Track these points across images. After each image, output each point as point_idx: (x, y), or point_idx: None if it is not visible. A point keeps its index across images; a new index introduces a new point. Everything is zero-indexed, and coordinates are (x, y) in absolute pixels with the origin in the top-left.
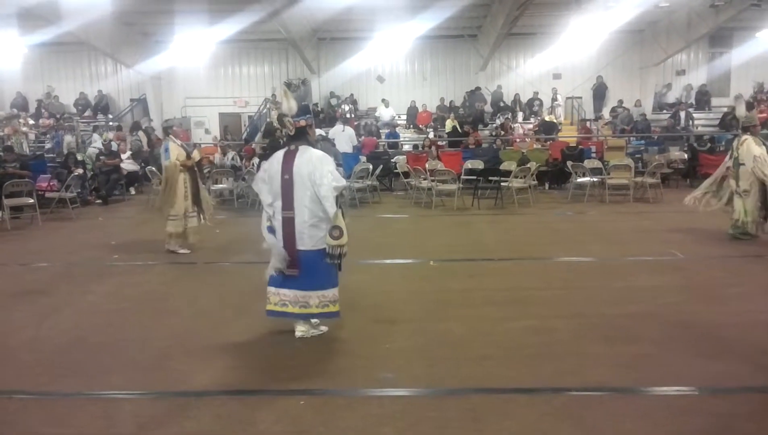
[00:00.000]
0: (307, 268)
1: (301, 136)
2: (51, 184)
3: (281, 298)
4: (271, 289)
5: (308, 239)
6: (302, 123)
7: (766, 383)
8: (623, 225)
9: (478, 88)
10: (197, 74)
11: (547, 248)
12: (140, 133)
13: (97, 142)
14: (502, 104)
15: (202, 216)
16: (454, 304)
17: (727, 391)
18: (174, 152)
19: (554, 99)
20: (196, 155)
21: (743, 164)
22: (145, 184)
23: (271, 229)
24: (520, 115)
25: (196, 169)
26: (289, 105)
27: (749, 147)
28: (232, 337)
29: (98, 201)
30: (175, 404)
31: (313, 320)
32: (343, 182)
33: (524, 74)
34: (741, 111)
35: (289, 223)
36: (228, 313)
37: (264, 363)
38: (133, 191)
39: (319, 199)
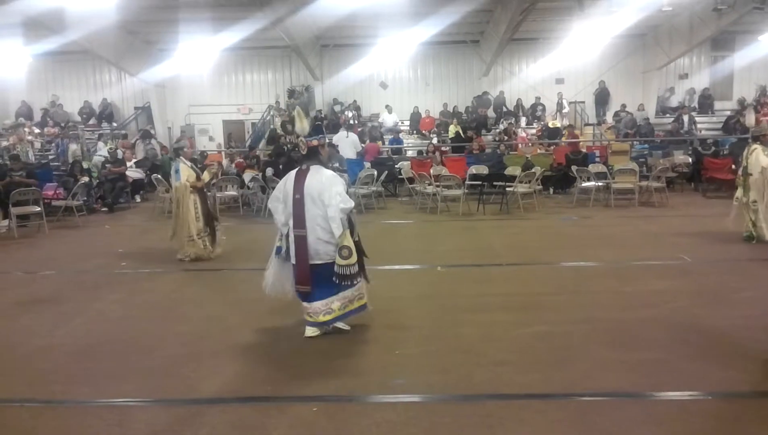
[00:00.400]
0: (322, 279)
1: (313, 155)
2: (57, 192)
3: (310, 310)
4: (305, 305)
5: (323, 254)
6: (314, 142)
7: None
8: (630, 229)
9: (486, 93)
10: (201, 82)
11: (555, 253)
12: (154, 142)
13: (102, 151)
14: (504, 109)
15: (215, 246)
16: (464, 310)
17: (739, 395)
18: (185, 173)
19: (560, 104)
20: (206, 177)
21: (751, 174)
22: (150, 192)
23: (279, 250)
24: (523, 121)
25: (206, 190)
26: (302, 125)
27: (758, 157)
28: (242, 343)
29: (104, 209)
30: (188, 411)
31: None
32: (352, 204)
33: (527, 79)
34: (750, 120)
35: (302, 241)
36: (237, 319)
37: (275, 369)
38: (138, 199)
39: (327, 218)
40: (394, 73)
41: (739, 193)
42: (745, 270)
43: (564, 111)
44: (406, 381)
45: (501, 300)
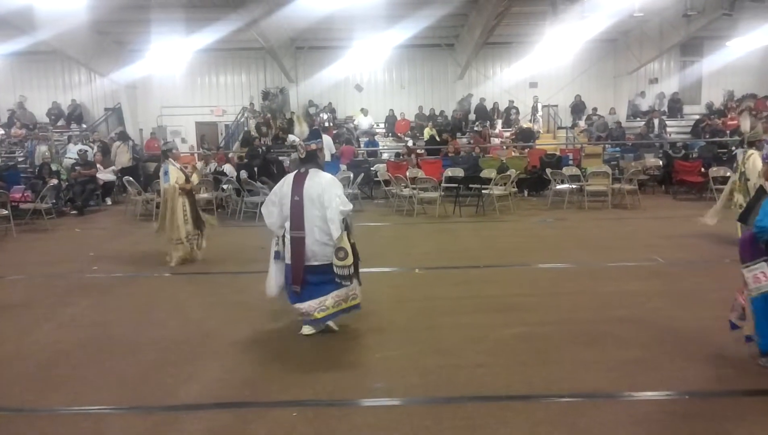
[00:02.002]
0: (318, 279)
1: (311, 159)
2: (25, 194)
3: (304, 309)
4: (296, 306)
5: (320, 255)
6: (313, 146)
7: (755, 386)
8: (604, 231)
9: (470, 95)
10: (173, 83)
11: (532, 255)
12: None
13: (72, 152)
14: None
15: (202, 241)
16: (442, 312)
17: (715, 394)
18: (173, 175)
19: (535, 108)
20: (195, 179)
21: (749, 179)
22: (122, 195)
23: (278, 255)
24: (499, 123)
25: (194, 192)
26: (301, 129)
27: (755, 162)
28: (220, 348)
29: (74, 212)
30: (166, 418)
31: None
32: (350, 206)
33: (501, 83)
34: (746, 126)
35: (299, 243)
36: (214, 324)
37: (253, 374)
38: (109, 201)
39: (326, 220)
40: (370, 75)
41: (738, 198)
42: (717, 271)
43: (538, 114)
44: (386, 384)
45: (479, 302)
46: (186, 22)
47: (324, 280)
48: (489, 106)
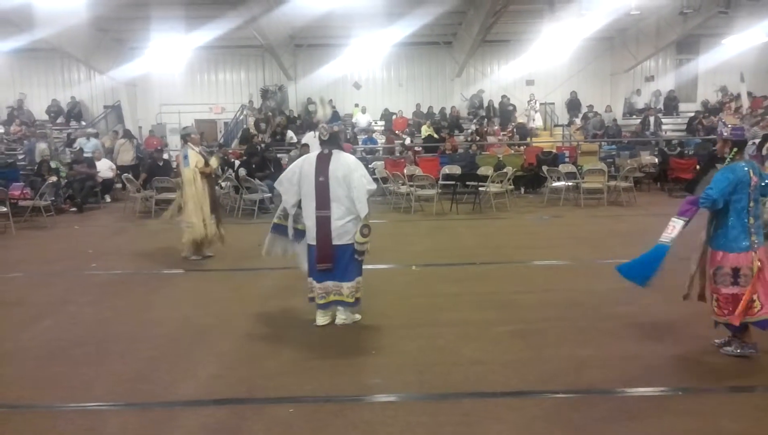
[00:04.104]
0: (341, 261)
1: (334, 140)
2: (24, 192)
3: (323, 290)
4: (311, 282)
5: (345, 235)
6: (335, 129)
7: (751, 383)
8: (600, 228)
9: (481, 91)
10: (173, 81)
11: (528, 252)
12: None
13: (88, 147)
14: (481, 110)
15: (220, 226)
16: (439, 309)
17: (711, 391)
18: (193, 159)
19: (533, 107)
20: (213, 162)
21: None
22: (121, 192)
23: (299, 234)
24: (496, 121)
25: (213, 176)
26: (325, 112)
27: None
28: (217, 345)
29: (73, 209)
30: (163, 415)
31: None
32: (374, 185)
33: (498, 81)
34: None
35: (324, 222)
36: (211, 321)
37: (251, 371)
38: (108, 199)
39: (353, 199)
40: (368, 73)
41: None
42: None
43: (535, 112)
44: (383, 381)
45: (476, 299)
46: (185, 20)
47: (345, 262)
48: (485, 104)
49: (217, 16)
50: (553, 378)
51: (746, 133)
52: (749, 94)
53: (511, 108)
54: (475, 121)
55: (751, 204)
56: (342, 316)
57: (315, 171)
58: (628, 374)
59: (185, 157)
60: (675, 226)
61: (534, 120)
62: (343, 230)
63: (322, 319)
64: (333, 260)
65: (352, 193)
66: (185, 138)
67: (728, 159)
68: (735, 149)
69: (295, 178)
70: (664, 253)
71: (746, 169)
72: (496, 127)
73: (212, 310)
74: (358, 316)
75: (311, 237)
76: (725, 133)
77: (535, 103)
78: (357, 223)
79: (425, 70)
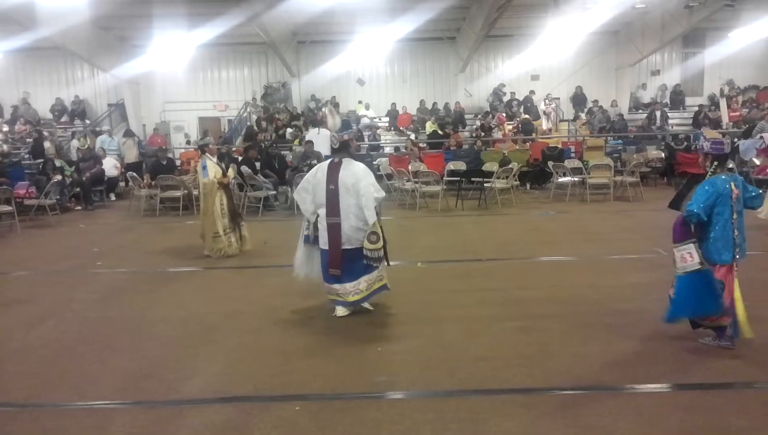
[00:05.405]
0: (352, 262)
1: (344, 149)
2: (29, 190)
3: (341, 291)
4: (328, 286)
5: (354, 240)
6: (346, 137)
7: (757, 379)
8: (606, 224)
9: (502, 84)
10: (176, 78)
11: (533, 248)
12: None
13: (110, 144)
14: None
15: (240, 233)
16: (444, 306)
17: (717, 386)
18: (212, 170)
19: (547, 103)
20: (231, 173)
21: None
22: (125, 190)
23: (308, 239)
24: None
25: (230, 186)
26: (334, 121)
27: None
28: (223, 343)
29: (78, 208)
30: (169, 413)
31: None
32: (383, 193)
33: (502, 76)
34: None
35: (335, 228)
36: (217, 319)
37: (256, 369)
38: (113, 197)
39: (361, 207)
40: (372, 69)
41: None
42: None
43: (542, 108)
44: (389, 378)
45: (481, 295)
46: (188, 17)
47: (357, 263)
48: (489, 98)
49: (219, 13)
50: (559, 374)
51: (725, 147)
52: (755, 87)
53: (516, 102)
54: (479, 116)
55: (735, 216)
56: (343, 310)
57: (326, 179)
58: (635, 370)
59: (204, 167)
60: (690, 251)
61: (550, 120)
62: (355, 236)
63: (341, 309)
64: (341, 265)
65: (360, 200)
66: (203, 148)
67: (709, 172)
68: (715, 163)
69: (310, 187)
70: (710, 275)
71: (727, 182)
72: (502, 115)
73: (218, 308)
74: (369, 307)
75: (323, 242)
76: (705, 147)
77: (551, 102)
78: (366, 229)
79: (429, 66)
